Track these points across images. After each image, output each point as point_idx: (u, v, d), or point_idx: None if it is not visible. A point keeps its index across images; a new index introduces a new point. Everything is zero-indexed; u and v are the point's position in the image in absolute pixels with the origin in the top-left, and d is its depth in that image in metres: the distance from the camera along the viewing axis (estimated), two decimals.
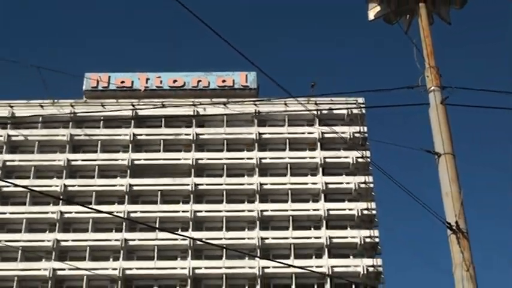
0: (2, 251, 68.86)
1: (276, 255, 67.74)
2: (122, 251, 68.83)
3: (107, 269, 66.95)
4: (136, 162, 73.71)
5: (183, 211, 70.90)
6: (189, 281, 67.35)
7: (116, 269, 67.60)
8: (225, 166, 73.52)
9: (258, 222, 70.40)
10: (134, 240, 69.62)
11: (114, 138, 75.02)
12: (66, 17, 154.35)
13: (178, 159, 74.14)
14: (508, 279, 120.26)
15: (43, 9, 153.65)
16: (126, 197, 71.47)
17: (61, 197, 70.37)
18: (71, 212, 70.57)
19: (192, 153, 73.94)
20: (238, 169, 73.87)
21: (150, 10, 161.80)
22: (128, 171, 73.19)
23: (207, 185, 72.80)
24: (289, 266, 67.90)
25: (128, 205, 70.66)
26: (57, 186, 71.20)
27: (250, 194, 72.20)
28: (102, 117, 74.83)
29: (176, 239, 68.34)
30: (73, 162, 73.74)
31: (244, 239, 69.09)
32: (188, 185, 72.22)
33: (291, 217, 70.60)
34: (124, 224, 69.35)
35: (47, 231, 70.09)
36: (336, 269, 66.90)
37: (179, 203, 71.85)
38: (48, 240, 69.04)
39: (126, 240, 69.15)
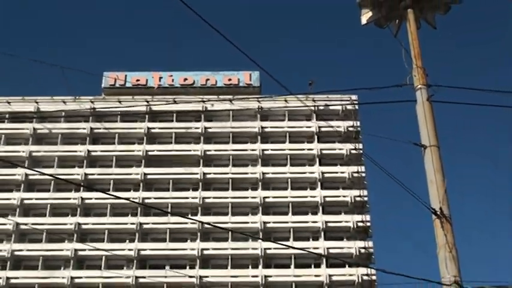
0: (28, 233, 69.12)
1: (276, 238, 67.82)
2: (137, 234, 68.99)
3: (123, 249, 67.25)
4: (150, 153, 73.83)
5: (192, 197, 71.03)
6: (197, 260, 67.48)
7: (131, 249, 67.79)
8: (230, 157, 73.61)
9: (260, 207, 70.50)
10: (148, 223, 69.78)
11: (130, 131, 75.12)
12: (79, 18, 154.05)
13: (189, 150, 74.21)
14: (486, 256, 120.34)
15: (48, 9, 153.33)
16: (141, 184, 71.62)
17: (82, 184, 70.45)
18: (91, 198, 70.73)
19: (200, 145, 74.05)
20: (243, 159, 73.95)
21: (151, 10, 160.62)
22: (143, 161, 73.30)
23: (214, 173, 72.90)
24: (289, 247, 67.86)
25: (142, 192, 70.81)
26: (78, 174, 71.33)
27: (254, 182, 72.31)
28: (119, 112, 74.98)
29: (186, 223, 68.51)
30: (93, 153, 73.87)
31: (248, 223, 69.17)
32: (197, 173, 72.34)
33: (290, 203, 70.69)
34: (139, 209, 69.50)
35: (69, 215, 70.24)
36: (331, 251, 67.05)
37: (189, 190, 71.95)
38: (71, 224, 69.25)
39: (141, 223, 69.33)
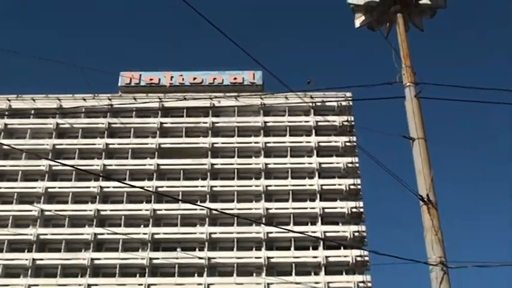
0: (52, 218, 69.28)
1: (278, 223, 67.91)
2: (151, 219, 69.11)
3: (138, 233, 67.37)
4: (162, 145, 73.90)
5: (201, 186, 71.10)
6: (206, 243, 67.60)
7: (146, 233, 67.91)
8: (236, 149, 73.66)
9: (263, 195, 70.56)
10: (161, 210, 69.89)
11: (145, 125, 75.15)
12: (85, 17, 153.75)
13: (198, 143, 74.26)
14: (469, 238, 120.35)
15: (55, 10, 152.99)
16: (155, 174, 71.70)
17: (101, 174, 70.54)
18: (108, 187, 70.81)
19: (208, 138, 74.10)
20: (247, 151, 73.98)
21: (153, 10, 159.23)
22: (156, 153, 73.39)
23: (221, 164, 72.97)
24: (289, 231, 68.13)
25: (156, 181, 70.89)
26: (97, 165, 71.45)
27: (257, 172, 72.34)
28: (134, 109, 75.04)
29: (196, 209, 68.60)
30: (110, 146, 73.95)
31: (252, 209, 69.24)
32: (205, 164, 72.40)
33: (290, 191, 70.75)
34: (152, 196, 69.61)
35: (89, 203, 70.38)
36: (327, 234, 67.10)
37: (198, 179, 72.03)
38: (90, 210, 69.39)
39: (154, 210, 69.43)
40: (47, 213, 69.07)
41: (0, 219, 69.35)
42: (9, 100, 75.99)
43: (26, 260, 66.65)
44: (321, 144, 73.43)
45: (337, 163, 72.21)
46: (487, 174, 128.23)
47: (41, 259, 67.20)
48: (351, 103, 73.88)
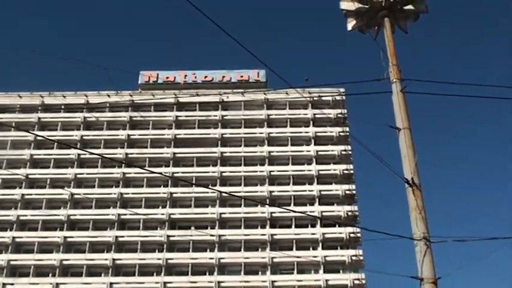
0: (80, 201, 69.52)
1: (280, 204, 68.03)
2: (168, 201, 69.26)
3: (157, 214, 67.50)
4: (178, 136, 73.94)
5: (212, 172, 71.15)
6: (217, 222, 67.75)
7: (163, 214, 68.08)
8: (243, 139, 73.65)
9: (267, 179, 70.63)
10: (177, 193, 69.99)
11: (162, 118, 75.16)
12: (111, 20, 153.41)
13: (209, 133, 74.26)
14: (450, 216, 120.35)
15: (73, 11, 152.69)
16: (171, 161, 71.78)
17: (123, 161, 70.70)
18: (130, 173, 70.94)
19: (218, 130, 74.09)
20: (253, 141, 73.96)
21: (155, 10, 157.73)
22: (172, 142, 73.46)
23: (230, 152, 72.98)
24: (290, 211, 68.23)
25: (172, 167, 70.94)
26: (120, 154, 71.56)
27: (262, 158, 72.36)
28: (152, 103, 75.01)
29: (207, 192, 68.72)
30: (132, 137, 74.02)
31: (257, 192, 69.29)
32: (216, 152, 72.45)
33: (291, 176, 70.79)
34: (169, 181, 69.72)
35: (113, 187, 70.55)
36: (324, 214, 67.16)
37: (209, 165, 72.10)
38: (114, 194, 69.54)
39: (171, 193, 69.53)
40: (76, 196, 69.29)
41: (35, 202, 69.67)
42: (42, 97, 76.10)
43: (59, 237, 66.95)
44: (318, 134, 73.37)
45: (332, 151, 72.16)
46: (465, 159, 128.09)
47: (71, 237, 67.49)
48: (344, 97, 73.76)
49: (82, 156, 71.76)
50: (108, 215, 68.54)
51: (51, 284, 64.14)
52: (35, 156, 72.56)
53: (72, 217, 68.42)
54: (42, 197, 69.60)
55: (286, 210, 67.46)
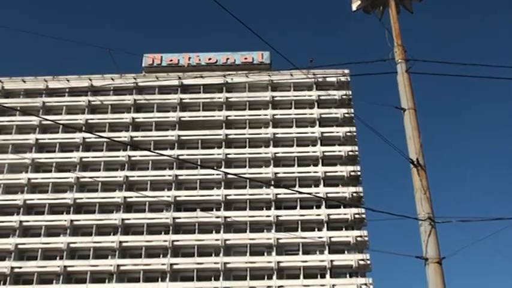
0: (87, 184, 69.79)
1: (285, 185, 68.17)
2: (173, 183, 69.47)
3: (162, 196, 67.70)
4: (182, 118, 73.93)
5: (217, 154, 71.24)
6: (222, 204, 68.00)
7: (169, 196, 68.33)
8: (247, 121, 73.60)
9: (272, 161, 70.70)
10: (182, 175, 70.18)
11: (166, 101, 75.09)
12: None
13: (213, 116, 74.22)
14: (455, 196, 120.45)
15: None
16: (176, 144, 71.87)
17: (128, 143, 70.82)
18: (135, 156, 71.11)
19: (223, 112, 74.03)
20: (257, 123, 73.89)
21: None
22: (177, 125, 73.50)
23: (235, 134, 72.97)
24: (296, 191, 68.32)
25: (177, 150, 71.04)
26: (125, 137, 71.61)
27: (266, 140, 72.33)
28: (157, 86, 74.97)
29: (213, 174, 68.95)
30: (136, 120, 74.07)
31: (262, 173, 69.39)
32: (221, 134, 72.48)
33: (296, 157, 70.83)
34: (174, 163, 69.90)
35: (119, 170, 70.79)
36: (329, 195, 67.23)
37: (214, 148, 72.17)
38: (120, 176, 69.79)
39: (176, 175, 69.74)
40: (82, 179, 69.60)
41: (41, 186, 70.01)
42: (46, 81, 76.10)
43: (65, 221, 67.36)
44: (323, 115, 73.25)
45: (337, 132, 72.08)
46: (469, 140, 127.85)
47: (78, 220, 67.90)
48: (349, 79, 73.57)
49: (87, 139, 71.97)
50: (114, 198, 68.86)
51: (58, 267, 64.67)
52: (40, 141, 72.78)
53: (78, 200, 68.77)
54: (48, 181, 69.93)
55: (291, 192, 67.63)
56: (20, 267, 65.15)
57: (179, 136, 72.33)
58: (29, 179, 69.93)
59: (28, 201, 68.91)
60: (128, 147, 71.18)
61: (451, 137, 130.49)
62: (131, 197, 68.76)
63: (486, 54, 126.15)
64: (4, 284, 64.02)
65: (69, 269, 64.96)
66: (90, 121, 73.56)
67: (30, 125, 73.48)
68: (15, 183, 69.98)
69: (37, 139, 72.65)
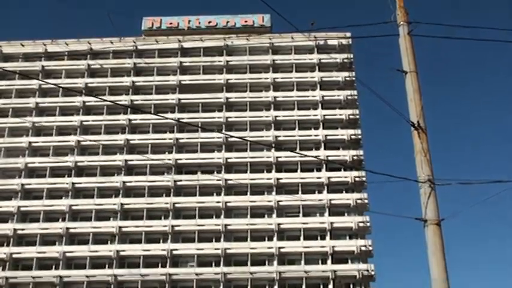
0: (87, 148, 69.97)
1: (286, 148, 68.40)
2: (174, 147, 69.63)
3: (163, 159, 67.81)
4: (183, 82, 73.66)
5: (218, 117, 71.05)
6: (223, 167, 68.27)
7: (170, 159, 68.50)
8: (248, 84, 73.34)
9: (273, 124, 70.75)
10: (183, 138, 70.26)
11: (166, 65, 74.63)
12: None
13: (214, 79, 73.94)
14: (454, 159, 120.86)
15: None
16: (176, 107, 71.58)
17: (129, 106, 70.77)
18: (136, 119, 71.09)
19: (223, 75, 73.63)
20: (258, 86, 73.62)
21: None
22: (177, 88, 73.30)
23: (235, 98, 72.71)
24: (297, 153, 68.29)
25: (177, 113, 70.66)
26: (125, 100, 71.42)
27: (267, 104, 72.11)
28: (156, 50, 74.53)
29: (213, 137, 69.22)
30: (136, 83, 73.82)
31: (263, 136, 69.37)
32: (221, 98, 72.26)
33: (297, 121, 70.87)
34: (175, 127, 69.96)
35: (119, 133, 70.82)
36: (330, 158, 67.35)
37: (215, 111, 72.00)
38: (121, 140, 69.91)
39: (177, 138, 69.82)
40: (83, 143, 69.77)
41: (42, 149, 70.23)
42: (45, 45, 75.60)
43: (67, 184, 67.79)
44: (324, 79, 72.93)
45: (338, 96, 71.90)
46: (472, 104, 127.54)
47: (80, 183, 68.32)
48: (350, 42, 73.05)
49: (87, 103, 71.87)
50: (115, 161, 69.11)
51: (61, 228, 65.34)
52: (40, 105, 72.69)
53: (79, 164, 69.05)
54: (49, 145, 70.10)
55: (292, 155, 67.95)
56: (23, 229, 65.84)
57: (179, 99, 72.20)
58: (29, 142, 70.10)
59: (29, 165, 69.22)
60: (128, 110, 71.14)
61: (453, 99, 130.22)
62: (132, 160, 69.03)
63: (492, 16, 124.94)
64: (7, 245, 64.77)
65: (71, 230, 65.62)
66: (90, 85, 73.32)
67: (29, 89, 73.32)
68: (16, 146, 70.19)
69: (37, 103, 72.58)
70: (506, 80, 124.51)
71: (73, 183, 67.80)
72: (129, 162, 69.00)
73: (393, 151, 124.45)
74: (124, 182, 67.74)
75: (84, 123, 71.45)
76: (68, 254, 64.29)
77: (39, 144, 70.57)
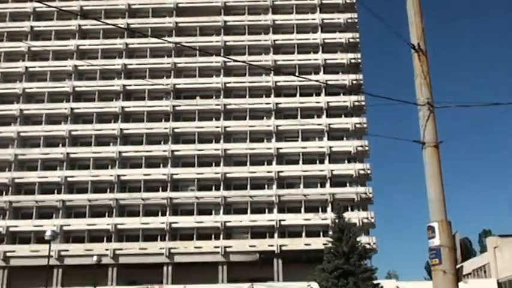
0: (84, 72, 69.55)
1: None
2: (172, 71, 69.13)
3: (161, 84, 67.36)
4: (180, 5, 71.85)
5: (216, 41, 70.16)
6: (222, 91, 68.03)
7: (168, 84, 68.14)
8: (246, 7, 71.84)
9: (271, 48, 69.84)
10: (181, 63, 69.57)
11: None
12: None
13: (211, 2, 72.17)
14: (455, 84, 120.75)
15: None
16: (174, 31, 70.12)
17: (125, 29, 69.59)
18: (133, 43, 70.16)
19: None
20: (257, 9, 72.07)
21: None
22: (174, 11, 71.85)
23: (234, 21, 71.35)
24: (297, 76, 67.70)
25: (175, 37, 69.12)
26: (119, 64, 69.33)
27: (266, 27, 70.71)
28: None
29: (211, 62, 68.88)
30: (132, 6, 72.20)
31: (261, 61, 68.48)
32: (219, 21, 70.90)
33: (296, 45, 69.97)
34: (173, 51, 69.07)
35: (116, 58, 70.13)
36: (329, 82, 66.97)
37: (213, 35, 70.92)
38: (118, 64, 69.32)
39: (175, 63, 69.12)
40: (80, 67, 69.13)
41: (39, 74, 69.81)
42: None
43: (65, 109, 67.95)
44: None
45: (338, 18, 70.21)
46: (472, 26, 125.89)
47: (78, 108, 68.38)
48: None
49: (83, 27, 70.80)
50: (113, 86, 68.87)
51: (61, 153, 65.93)
52: (35, 28, 71.59)
53: (77, 89, 68.84)
54: (46, 69, 69.57)
55: (291, 79, 67.60)
56: (24, 154, 66.43)
57: (177, 23, 70.95)
58: (26, 67, 69.57)
59: (27, 90, 68.99)
60: (125, 34, 70.01)
61: (454, 20, 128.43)
62: (130, 85, 68.80)
63: None
64: (9, 170, 65.60)
65: (72, 155, 66.25)
66: (85, 7, 71.81)
67: (24, 12, 72.05)
68: (12, 71, 69.78)
69: (32, 26, 71.46)
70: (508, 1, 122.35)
71: (71, 109, 67.82)
72: (127, 87, 68.81)
73: (393, 76, 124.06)
74: (123, 107, 67.76)
75: (81, 47, 70.58)
76: (69, 179, 65.20)
77: (36, 69, 70.07)
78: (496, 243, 59.66)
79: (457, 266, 8.77)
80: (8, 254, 62.31)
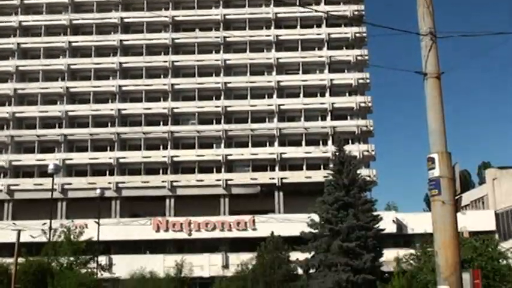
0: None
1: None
2: (170, 26, 67.34)
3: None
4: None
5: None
6: (221, 24, 67.09)
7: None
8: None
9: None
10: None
11: None
12: None
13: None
14: (459, 14, 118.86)
15: None
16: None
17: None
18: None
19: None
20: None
21: None
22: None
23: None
24: (297, 6, 66.32)
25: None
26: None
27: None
28: None
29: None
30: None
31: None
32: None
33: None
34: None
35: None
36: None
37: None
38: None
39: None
40: (73, 44, 67.40)
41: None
42: None
43: (63, 42, 67.38)
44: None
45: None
46: None
47: (76, 41, 67.70)
48: None
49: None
50: (111, 18, 67.74)
51: (61, 87, 65.87)
52: None
53: (74, 22, 67.72)
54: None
55: (291, 10, 66.14)
56: (23, 89, 66.27)
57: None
58: (21, 0, 68.47)
59: (24, 23, 68.17)
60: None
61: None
62: (129, 17, 67.87)
63: None
64: (9, 105, 65.57)
65: (71, 90, 66.05)
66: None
67: None
68: (8, 4, 68.63)
69: None
70: None
71: (69, 42, 67.09)
72: (125, 20, 67.85)
73: (395, 5, 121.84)
74: (121, 41, 66.97)
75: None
76: (70, 113, 65.22)
77: (32, 1, 68.94)
78: (495, 175, 60.19)
79: (456, 197, 8.82)
80: (12, 188, 63.09)
